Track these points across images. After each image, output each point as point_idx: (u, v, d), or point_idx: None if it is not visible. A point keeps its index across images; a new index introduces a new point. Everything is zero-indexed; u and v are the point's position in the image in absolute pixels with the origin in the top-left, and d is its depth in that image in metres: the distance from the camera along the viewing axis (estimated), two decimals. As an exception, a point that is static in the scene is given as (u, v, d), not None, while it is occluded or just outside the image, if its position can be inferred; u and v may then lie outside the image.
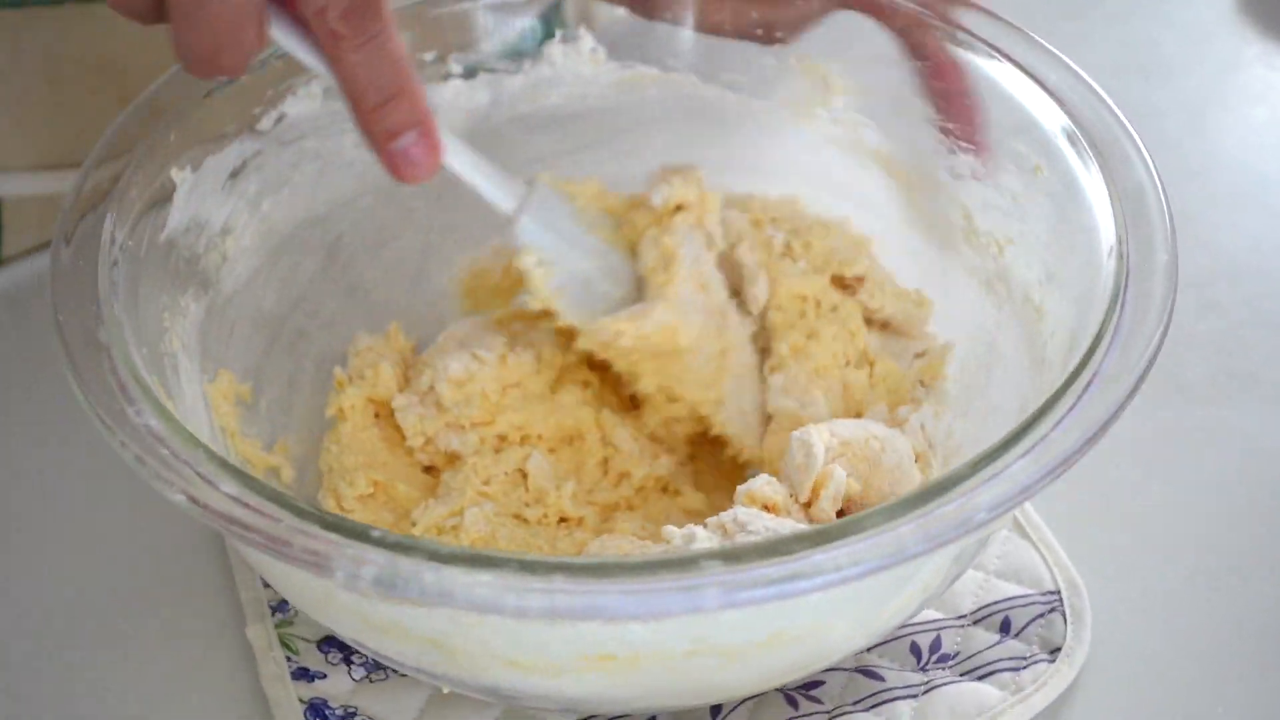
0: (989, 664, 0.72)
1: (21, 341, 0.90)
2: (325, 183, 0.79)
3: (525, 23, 0.83)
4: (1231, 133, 1.08)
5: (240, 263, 0.75)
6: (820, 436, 0.69)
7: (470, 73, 0.81)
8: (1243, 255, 0.96)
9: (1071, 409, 0.60)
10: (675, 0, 0.82)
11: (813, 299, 0.80)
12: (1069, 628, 0.74)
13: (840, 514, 0.68)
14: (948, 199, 0.79)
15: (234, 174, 0.75)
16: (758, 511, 0.66)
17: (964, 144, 0.78)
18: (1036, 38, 0.77)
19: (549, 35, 0.83)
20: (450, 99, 0.82)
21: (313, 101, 0.77)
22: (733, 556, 0.54)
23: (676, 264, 0.77)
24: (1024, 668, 0.72)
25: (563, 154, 0.85)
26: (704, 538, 0.64)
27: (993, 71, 0.76)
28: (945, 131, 0.78)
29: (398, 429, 0.78)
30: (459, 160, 0.71)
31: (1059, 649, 0.73)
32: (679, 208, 0.79)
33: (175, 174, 0.71)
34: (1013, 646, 0.73)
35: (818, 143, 0.84)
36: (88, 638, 0.76)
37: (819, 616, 0.61)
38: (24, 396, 0.87)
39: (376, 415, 0.78)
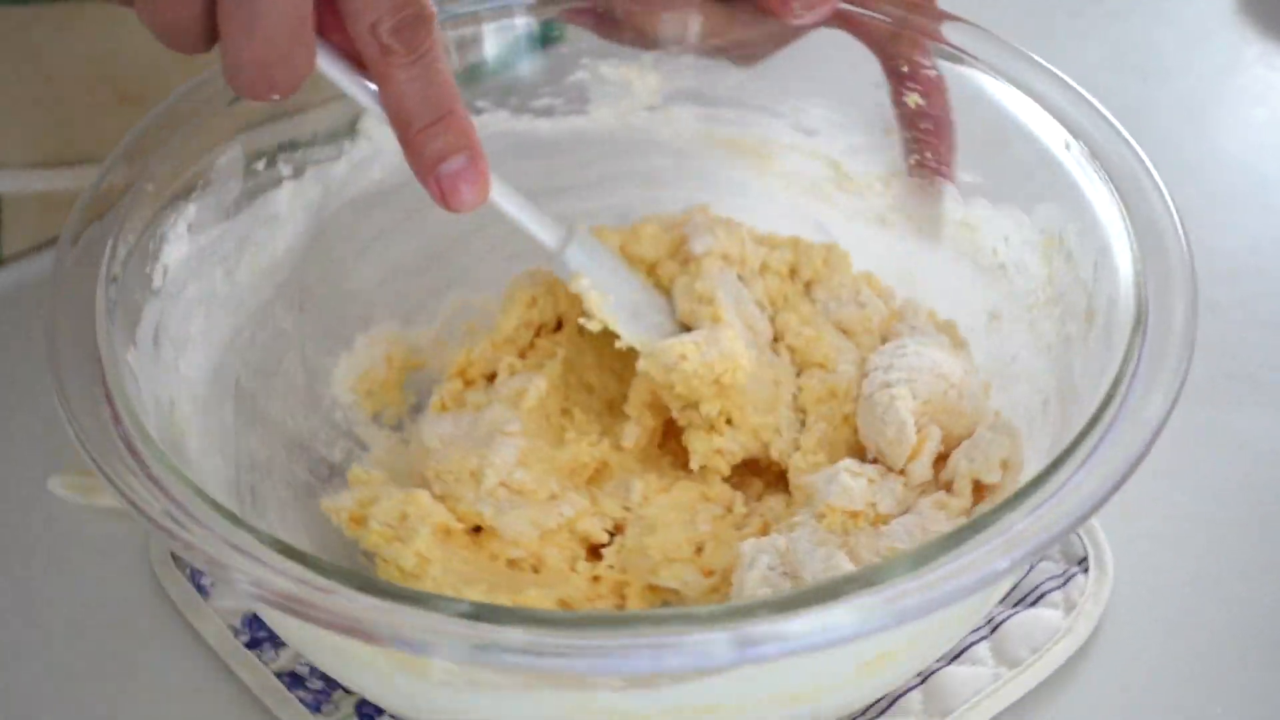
0: (1035, 587, 0.76)
1: (21, 342, 0.90)
2: (212, 327, 0.76)
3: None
4: (1231, 133, 1.08)
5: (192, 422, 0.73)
6: (906, 406, 0.71)
7: (299, 170, 0.78)
8: (1242, 256, 0.96)
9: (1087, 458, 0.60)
10: (641, 20, 0.82)
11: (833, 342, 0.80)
12: (1085, 540, 0.78)
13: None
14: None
15: (154, 340, 0.72)
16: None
17: (938, 170, 0.78)
18: (1062, 76, 0.76)
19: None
20: (288, 202, 0.78)
21: (181, 243, 0.73)
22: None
23: (718, 303, 0.76)
24: (1066, 582, 0.76)
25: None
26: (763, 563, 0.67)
27: (1014, 107, 0.76)
28: (919, 159, 0.78)
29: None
30: (503, 193, 0.70)
31: (1084, 558, 0.77)
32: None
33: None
34: (1045, 568, 0.77)
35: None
36: (84, 636, 0.76)
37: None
38: (24, 397, 0.87)
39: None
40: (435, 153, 0.63)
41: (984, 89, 0.77)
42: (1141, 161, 0.71)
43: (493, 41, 0.82)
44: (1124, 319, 0.65)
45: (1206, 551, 0.80)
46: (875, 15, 0.78)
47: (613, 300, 0.75)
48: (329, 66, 0.65)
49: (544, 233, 0.73)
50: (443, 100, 0.63)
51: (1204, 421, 0.85)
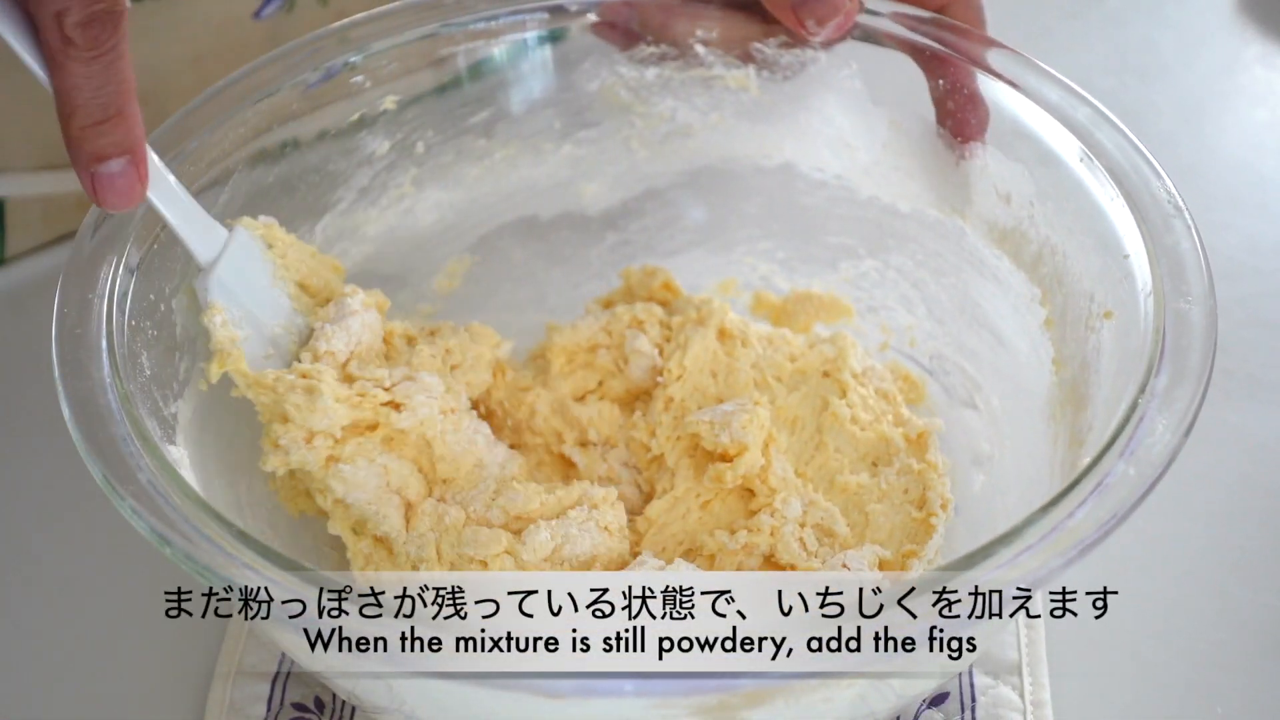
0: None
1: (22, 342, 0.91)
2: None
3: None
4: (1230, 133, 1.08)
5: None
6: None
7: None
8: (1241, 255, 0.96)
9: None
10: (665, 34, 0.82)
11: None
12: None
13: None
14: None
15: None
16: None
17: (969, 140, 0.77)
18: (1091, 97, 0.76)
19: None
20: None
21: None
22: None
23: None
24: None
25: None
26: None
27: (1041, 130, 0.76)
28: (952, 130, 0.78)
29: None
30: (163, 196, 0.68)
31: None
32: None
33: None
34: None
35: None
36: (80, 636, 0.77)
37: None
38: (24, 397, 0.88)
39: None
40: (96, 151, 0.62)
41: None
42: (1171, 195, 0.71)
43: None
44: (1140, 348, 0.65)
45: (1206, 548, 0.80)
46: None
47: (242, 338, 0.71)
48: (6, 28, 0.62)
49: (199, 243, 0.70)
50: (114, 100, 0.62)
51: (1203, 419, 0.85)
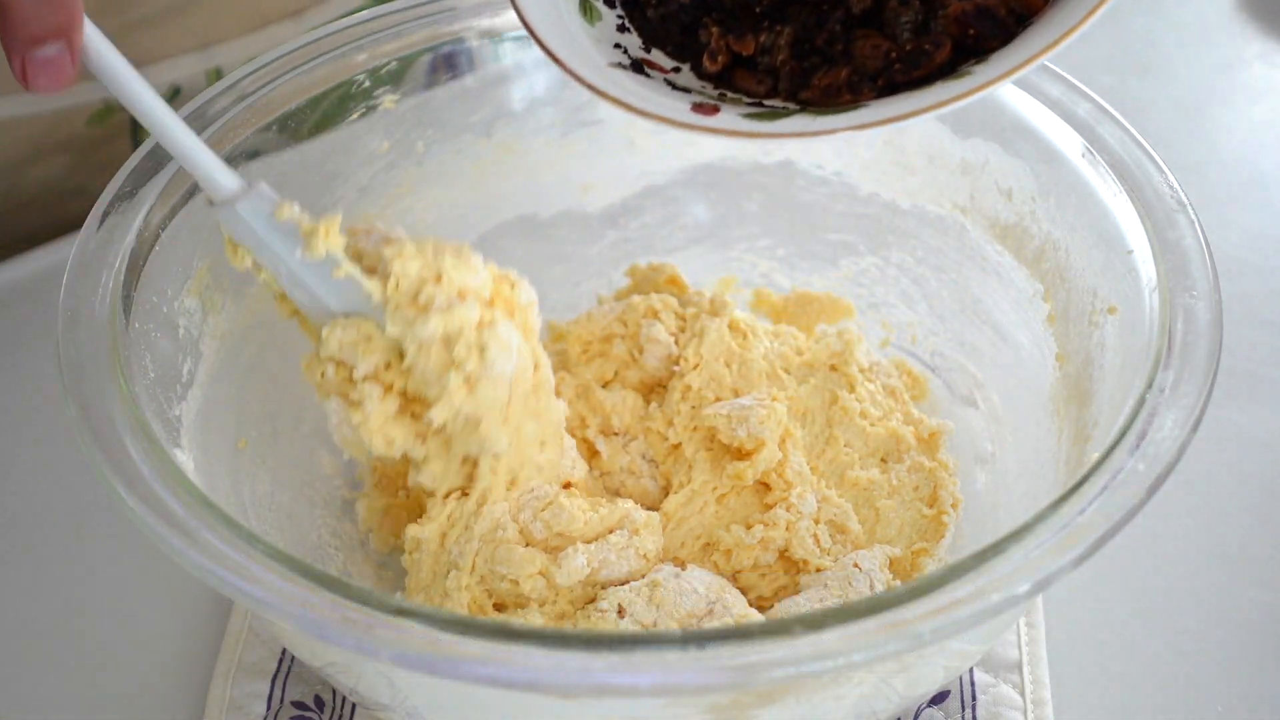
0: None
1: (24, 342, 0.91)
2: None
3: None
4: (1231, 130, 1.08)
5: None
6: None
7: None
8: (1241, 253, 0.96)
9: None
10: None
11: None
12: None
13: None
14: None
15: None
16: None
17: None
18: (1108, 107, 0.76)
19: None
20: None
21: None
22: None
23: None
24: None
25: None
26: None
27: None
28: None
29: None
30: (172, 133, 0.64)
31: None
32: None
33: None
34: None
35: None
36: (76, 634, 0.77)
37: None
38: (25, 397, 0.87)
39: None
40: (31, 35, 0.58)
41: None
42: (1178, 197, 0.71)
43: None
44: (1146, 344, 0.65)
45: (1205, 546, 0.80)
46: None
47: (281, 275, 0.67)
48: None
49: (218, 175, 0.65)
50: None
51: (1204, 417, 0.85)
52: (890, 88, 0.62)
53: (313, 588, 0.57)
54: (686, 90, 0.65)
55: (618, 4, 0.68)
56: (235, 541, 0.58)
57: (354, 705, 0.73)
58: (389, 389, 0.68)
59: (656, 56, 0.67)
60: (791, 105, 0.63)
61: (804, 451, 0.78)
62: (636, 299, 0.82)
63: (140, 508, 0.59)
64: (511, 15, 0.82)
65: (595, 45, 0.66)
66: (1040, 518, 0.58)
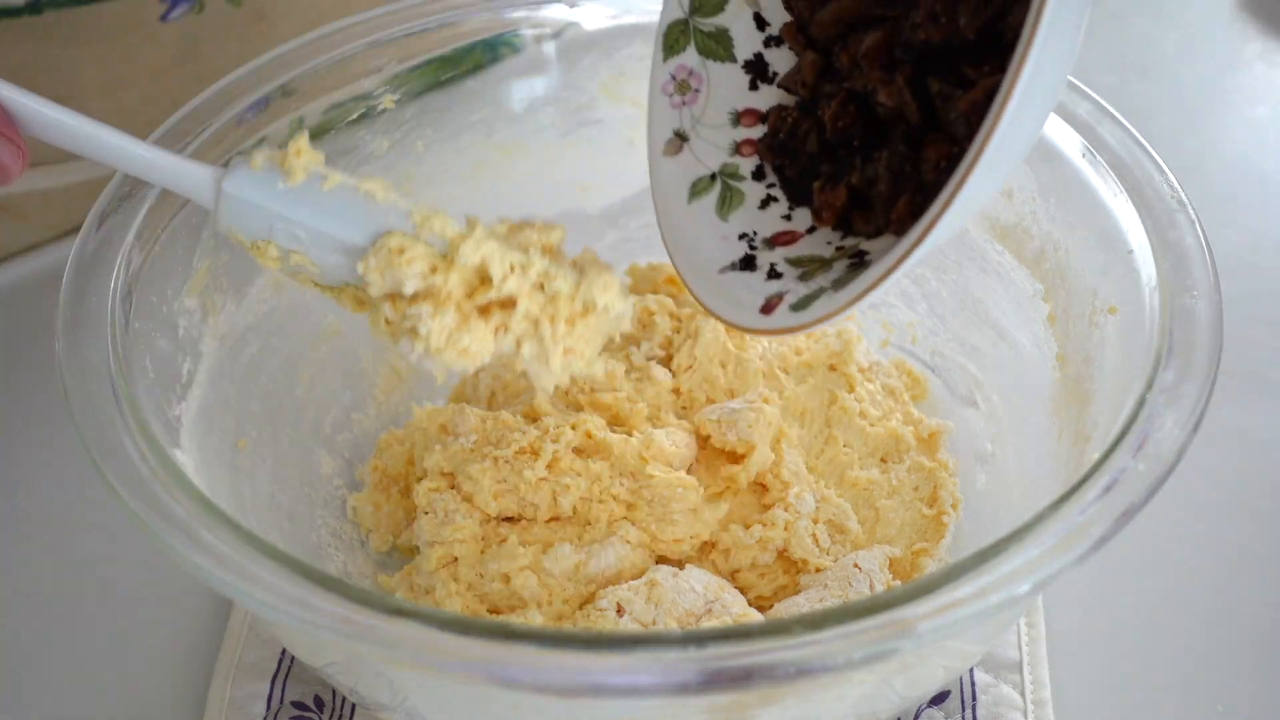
0: None
1: (24, 342, 0.90)
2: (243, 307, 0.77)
3: None
4: (1231, 130, 1.08)
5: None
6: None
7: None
8: (1242, 252, 0.96)
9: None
10: None
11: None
12: None
13: None
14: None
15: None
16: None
17: None
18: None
19: None
20: None
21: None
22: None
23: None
24: None
25: None
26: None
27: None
28: None
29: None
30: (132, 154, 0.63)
31: None
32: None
33: None
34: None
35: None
36: (75, 634, 0.77)
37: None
38: (26, 397, 0.87)
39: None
40: None
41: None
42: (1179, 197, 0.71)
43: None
44: (1146, 344, 0.65)
45: (1206, 546, 0.80)
46: None
47: (310, 257, 0.64)
48: None
49: (190, 170, 0.64)
50: None
51: (1205, 416, 0.85)
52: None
53: (313, 588, 0.56)
54: (779, 276, 0.67)
55: (767, 175, 0.70)
56: (235, 541, 0.58)
57: (354, 705, 0.73)
58: (444, 300, 0.64)
59: (798, 218, 0.68)
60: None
61: (803, 451, 0.78)
62: (633, 299, 0.82)
63: (140, 508, 0.59)
64: (512, 15, 0.83)
65: (720, 243, 0.68)
66: (1040, 518, 0.58)
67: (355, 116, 0.80)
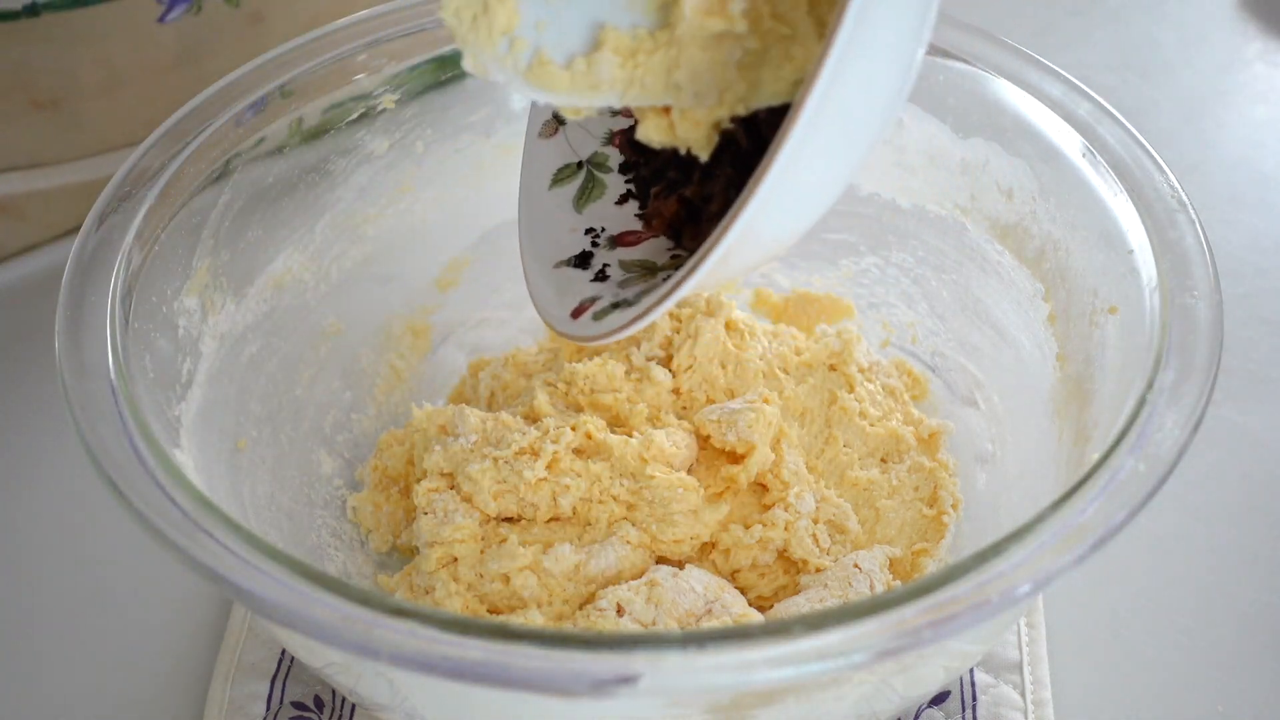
0: None
1: (24, 341, 0.90)
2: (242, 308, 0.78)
3: None
4: (1231, 130, 1.08)
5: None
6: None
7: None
8: (1242, 253, 0.96)
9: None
10: None
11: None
12: None
13: None
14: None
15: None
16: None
17: None
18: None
19: None
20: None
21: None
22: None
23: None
24: None
25: None
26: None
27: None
28: None
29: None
30: None
31: None
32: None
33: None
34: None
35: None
36: (75, 635, 0.77)
37: None
38: (26, 397, 0.87)
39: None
40: None
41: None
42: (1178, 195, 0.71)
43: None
44: (1146, 344, 0.65)
45: (1206, 546, 0.80)
46: None
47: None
48: None
49: None
50: None
51: (1205, 416, 0.85)
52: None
53: (313, 588, 0.56)
54: (604, 279, 0.67)
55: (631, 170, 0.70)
56: (235, 541, 0.58)
57: (353, 705, 0.73)
58: None
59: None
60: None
61: (803, 451, 0.78)
62: None
63: (140, 508, 0.59)
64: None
65: (567, 235, 0.69)
66: (1040, 518, 0.58)
67: (355, 116, 0.80)
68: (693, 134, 0.62)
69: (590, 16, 0.59)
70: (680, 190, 0.66)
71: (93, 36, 0.89)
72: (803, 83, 0.54)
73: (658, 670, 0.53)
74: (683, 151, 0.63)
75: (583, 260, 0.70)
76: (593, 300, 0.66)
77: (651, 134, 0.62)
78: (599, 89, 0.60)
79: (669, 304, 0.61)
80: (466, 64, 0.58)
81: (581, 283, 0.67)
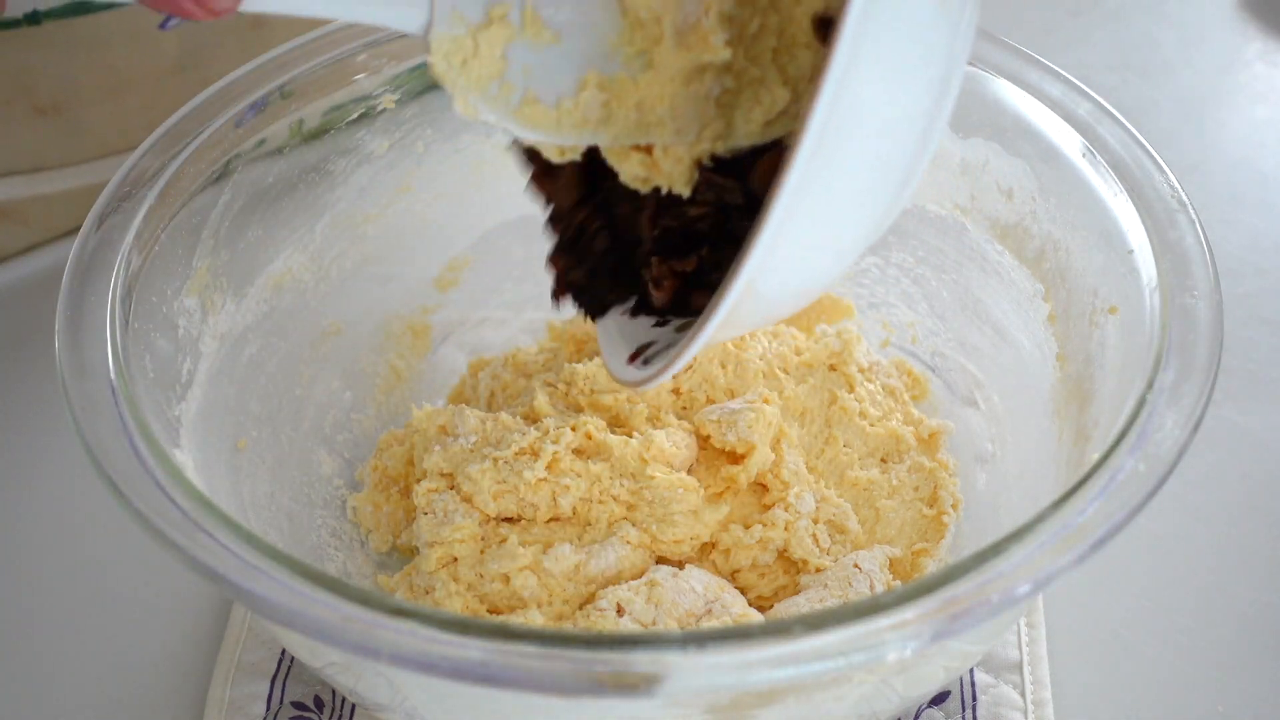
0: None
1: (23, 341, 0.91)
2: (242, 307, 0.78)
3: None
4: (1231, 130, 1.08)
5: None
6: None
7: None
8: (1242, 253, 0.96)
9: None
10: None
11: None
12: None
13: None
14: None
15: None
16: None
17: None
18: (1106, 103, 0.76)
19: None
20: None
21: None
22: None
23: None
24: None
25: None
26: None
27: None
28: None
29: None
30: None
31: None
32: None
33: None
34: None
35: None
36: (75, 635, 0.77)
37: None
38: (26, 397, 0.87)
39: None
40: None
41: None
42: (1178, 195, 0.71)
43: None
44: (1146, 344, 0.65)
45: (1206, 546, 0.80)
46: None
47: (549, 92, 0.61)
48: None
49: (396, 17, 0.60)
50: None
51: (1205, 416, 0.85)
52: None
53: (313, 588, 0.57)
54: (664, 325, 0.68)
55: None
56: (235, 541, 0.58)
57: (353, 705, 0.73)
58: None
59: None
60: None
61: (803, 451, 0.78)
62: None
63: (140, 508, 0.59)
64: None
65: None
66: (1040, 518, 0.58)
67: (355, 116, 0.80)
68: (674, 170, 0.63)
69: (576, 64, 0.61)
70: (674, 265, 0.66)
71: (94, 43, 0.89)
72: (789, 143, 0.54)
73: (658, 670, 0.54)
74: (663, 191, 0.64)
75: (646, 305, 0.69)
76: (649, 345, 0.67)
77: (634, 173, 0.64)
78: (586, 127, 0.62)
79: (679, 366, 0.61)
80: (457, 107, 0.60)
81: (644, 329, 0.68)
